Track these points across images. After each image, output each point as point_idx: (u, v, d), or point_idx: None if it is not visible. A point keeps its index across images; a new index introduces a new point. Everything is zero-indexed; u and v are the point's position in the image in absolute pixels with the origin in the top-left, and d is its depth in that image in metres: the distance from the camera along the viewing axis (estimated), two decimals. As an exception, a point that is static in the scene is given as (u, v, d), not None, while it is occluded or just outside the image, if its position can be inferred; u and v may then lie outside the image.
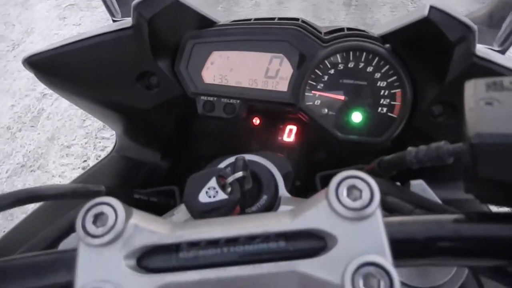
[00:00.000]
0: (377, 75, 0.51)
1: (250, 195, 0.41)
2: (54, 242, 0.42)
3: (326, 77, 0.52)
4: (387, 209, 0.37)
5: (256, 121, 0.60)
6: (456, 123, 0.51)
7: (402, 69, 0.50)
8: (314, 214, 0.25)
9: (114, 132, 0.72)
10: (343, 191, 0.25)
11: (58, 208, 0.50)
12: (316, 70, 0.52)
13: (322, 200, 0.25)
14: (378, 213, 0.24)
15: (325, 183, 0.52)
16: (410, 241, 0.26)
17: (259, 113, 0.59)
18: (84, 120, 2.45)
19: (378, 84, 0.51)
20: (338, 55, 0.51)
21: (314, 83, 0.52)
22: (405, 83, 0.50)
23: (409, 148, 0.36)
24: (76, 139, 2.32)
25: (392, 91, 0.51)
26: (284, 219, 0.26)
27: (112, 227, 0.25)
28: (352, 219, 0.24)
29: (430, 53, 0.49)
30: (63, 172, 2.16)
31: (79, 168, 2.17)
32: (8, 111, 2.54)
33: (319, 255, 0.24)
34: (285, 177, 0.46)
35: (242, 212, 0.40)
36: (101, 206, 0.25)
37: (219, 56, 0.54)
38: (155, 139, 0.65)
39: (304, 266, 0.24)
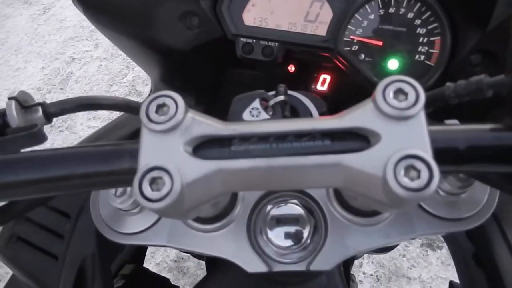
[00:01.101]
0: (418, 21, 0.51)
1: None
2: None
3: (365, 23, 0.53)
4: None
5: (291, 68, 0.61)
6: (493, 74, 0.51)
7: (444, 16, 0.50)
8: (360, 114, 0.27)
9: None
10: (390, 93, 0.26)
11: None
12: (356, 15, 0.53)
13: (368, 103, 0.27)
14: (422, 114, 0.26)
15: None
16: (450, 148, 0.27)
17: (295, 60, 0.60)
18: (111, 86, 2.50)
19: (417, 31, 0.51)
20: (379, 0, 0.52)
21: (353, 28, 0.53)
22: (445, 31, 0.50)
23: (448, 83, 0.37)
24: (103, 102, 2.37)
25: (431, 39, 0.51)
26: (331, 119, 0.27)
27: (173, 116, 0.27)
28: (397, 118, 0.26)
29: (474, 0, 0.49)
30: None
31: (105, 130, 2.23)
32: (38, 73, 2.61)
33: (363, 151, 0.26)
34: (321, 116, 0.47)
35: None
36: (163, 98, 0.27)
37: (260, -1, 0.56)
38: (190, 82, 0.67)
39: (349, 160, 0.26)
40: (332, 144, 0.27)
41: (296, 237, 0.41)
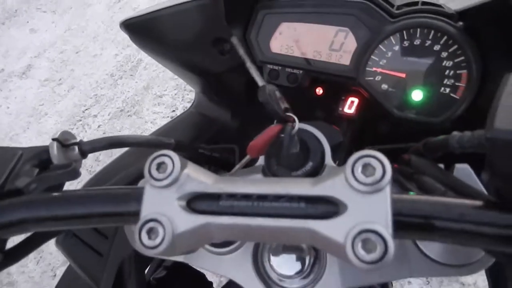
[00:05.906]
0: (444, 54, 0.50)
1: (298, 160, 0.46)
2: (135, 180, 0.51)
3: (389, 54, 0.53)
4: (422, 188, 0.39)
5: (319, 91, 0.63)
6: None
7: (472, 50, 0.48)
8: (332, 184, 0.29)
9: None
10: (359, 168, 0.28)
11: (141, 153, 0.60)
12: (381, 46, 0.53)
13: (340, 173, 0.29)
14: (387, 190, 0.27)
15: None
16: (413, 217, 0.29)
17: (323, 83, 0.62)
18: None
19: (443, 64, 0.50)
20: (404, 32, 0.51)
21: (377, 59, 0.53)
22: (472, 65, 0.49)
23: (454, 133, 0.37)
24: (167, 90, 2.52)
25: (458, 72, 0.50)
26: (307, 185, 0.30)
27: (170, 174, 0.31)
28: (363, 192, 0.28)
29: (508, 33, 0.46)
30: (154, 119, 2.39)
31: (168, 117, 2.38)
32: (112, 59, 2.83)
33: (330, 218, 0.28)
34: (334, 148, 0.49)
35: None
36: (163, 157, 0.32)
37: (287, 27, 0.57)
38: (226, 99, 0.71)
39: (316, 225, 0.29)
40: (305, 208, 0.30)
41: (298, 266, 0.45)
